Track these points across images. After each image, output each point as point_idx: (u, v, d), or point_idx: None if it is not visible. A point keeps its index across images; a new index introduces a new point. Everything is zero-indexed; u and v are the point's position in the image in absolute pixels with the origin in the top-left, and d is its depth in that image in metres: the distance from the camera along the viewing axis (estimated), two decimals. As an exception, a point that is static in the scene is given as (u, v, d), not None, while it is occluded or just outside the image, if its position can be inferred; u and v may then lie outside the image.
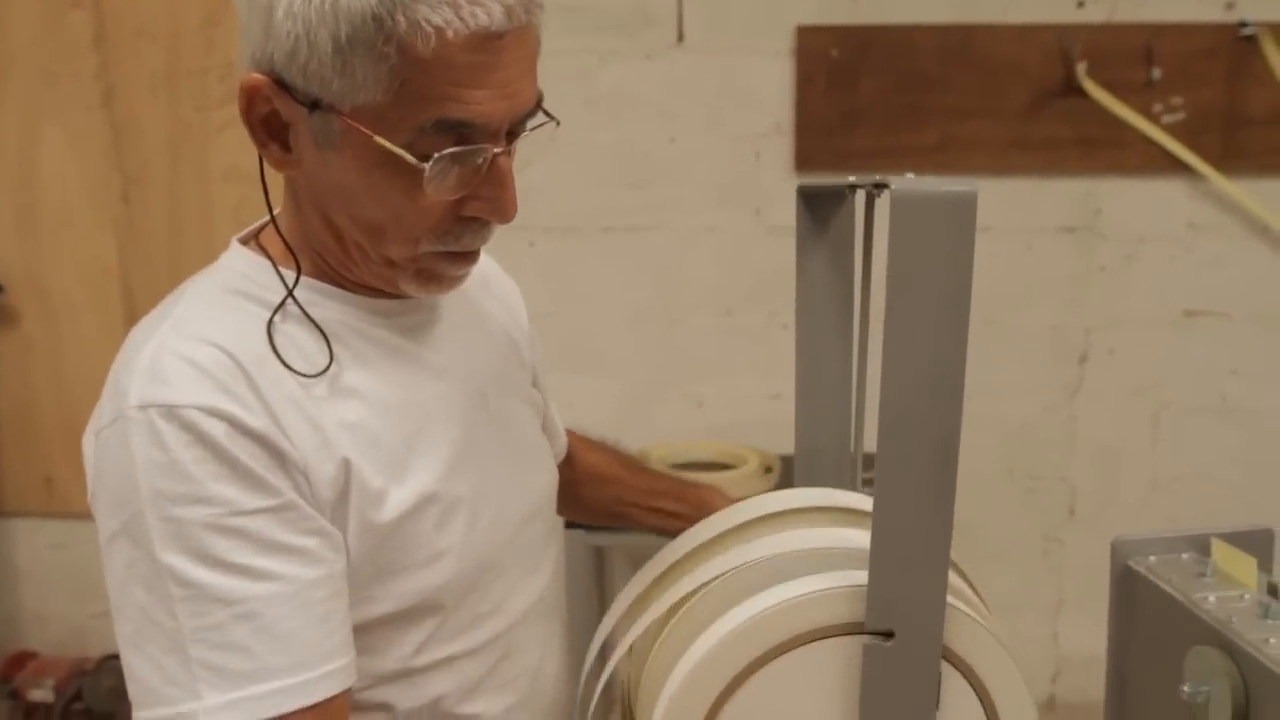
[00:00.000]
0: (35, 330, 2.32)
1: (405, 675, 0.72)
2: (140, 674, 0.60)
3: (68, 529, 2.38)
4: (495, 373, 0.82)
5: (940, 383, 0.54)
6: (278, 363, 0.65)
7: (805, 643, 0.64)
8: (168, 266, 2.22)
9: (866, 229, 0.80)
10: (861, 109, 2.03)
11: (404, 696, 0.72)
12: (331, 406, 0.67)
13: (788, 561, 0.67)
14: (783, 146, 2.08)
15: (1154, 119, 2.00)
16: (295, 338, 0.68)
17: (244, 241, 0.73)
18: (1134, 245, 2.10)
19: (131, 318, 0.68)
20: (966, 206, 0.54)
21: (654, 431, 2.16)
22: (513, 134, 0.67)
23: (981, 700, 0.65)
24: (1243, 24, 1.95)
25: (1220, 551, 0.85)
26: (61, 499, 2.37)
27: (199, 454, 0.60)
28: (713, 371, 2.18)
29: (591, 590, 2.07)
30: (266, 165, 0.69)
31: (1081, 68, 1.97)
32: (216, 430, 0.60)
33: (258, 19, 0.62)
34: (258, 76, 0.63)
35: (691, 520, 0.83)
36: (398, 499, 0.68)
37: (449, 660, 0.74)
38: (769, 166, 2.09)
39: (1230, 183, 2.02)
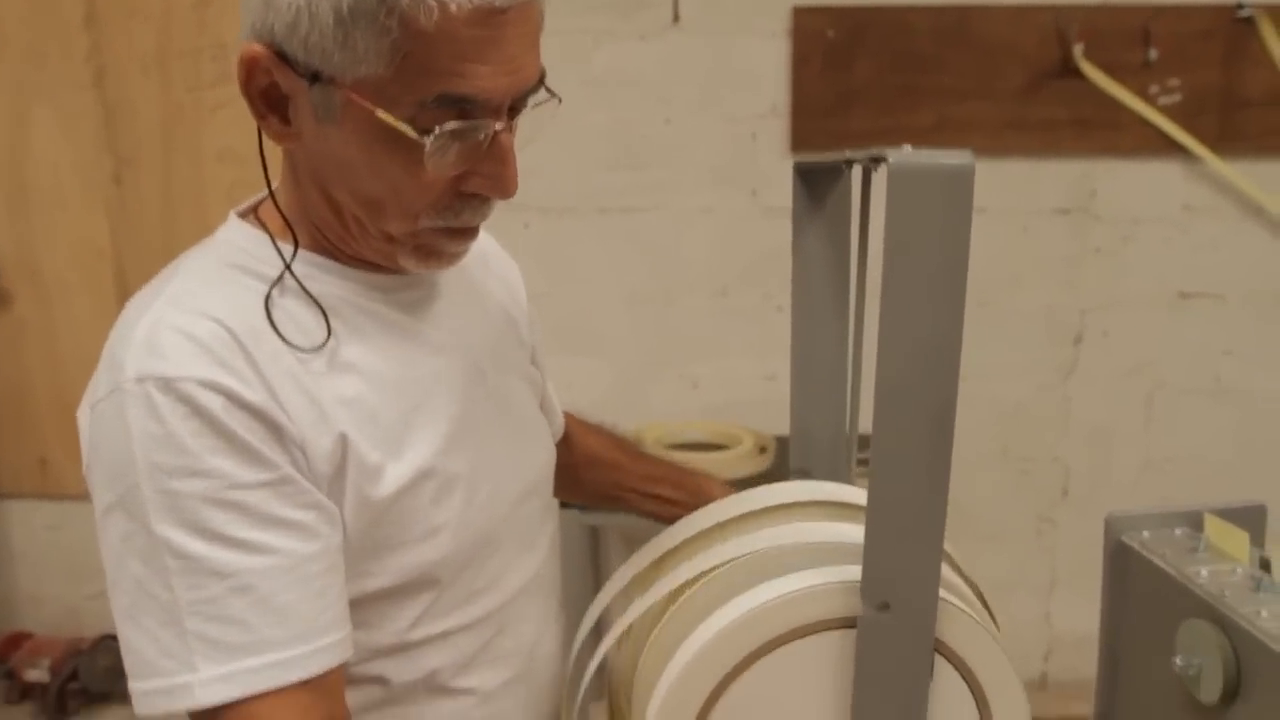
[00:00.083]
0: (28, 312, 2.31)
1: (400, 649, 0.72)
2: (136, 646, 0.60)
3: (63, 510, 2.39)
4: (493, 350, 0.82)
5: (937, 353, 0.54)
6: (275, 337, 0.65)
7: (803, 636, 0.64)
8: (161, 248, 2.21)
9: (863, 205, 0.80)
10: (857, 90, 2.03)
11: (399, 670, 0.72)
12: (329, 381, 0.67)
13: (787, 554, 0.68)
14: (779, 127, 2.07)
15: (1150, 100, 2.00)
16: (293, 312, 0.67)
17: (242, 216, 0.72)
18: (1129, 227, 2.10)
19: (124, 300, 0.68)
20: (964, 177, 0.54)
21: (649, 412, 2.16)
22: (515, 110, 0.66)
23: (974, 694, 0.66)
24: (1240, 5, 1.95)
25: (1213, 526, 0.85)
26: (56, 480, 2.37)
27: (196, 427, 0.60)
28: (708, 352, 2.18)
29: (586, 570, 2.08)
30: (265, 138, 0.68)
31: (1078, 49, 1.96)
32: (213, 404, 0.60)
33: None
34: (257, 48, 0.62)
35: (689, 507, 0.83)
36: (395, 474, 0.68)
37: (444, 635, 0.74)
38: (765, 148, 2.09)
39: (1226, 164, 2.02)
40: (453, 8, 0.58)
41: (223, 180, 2.18)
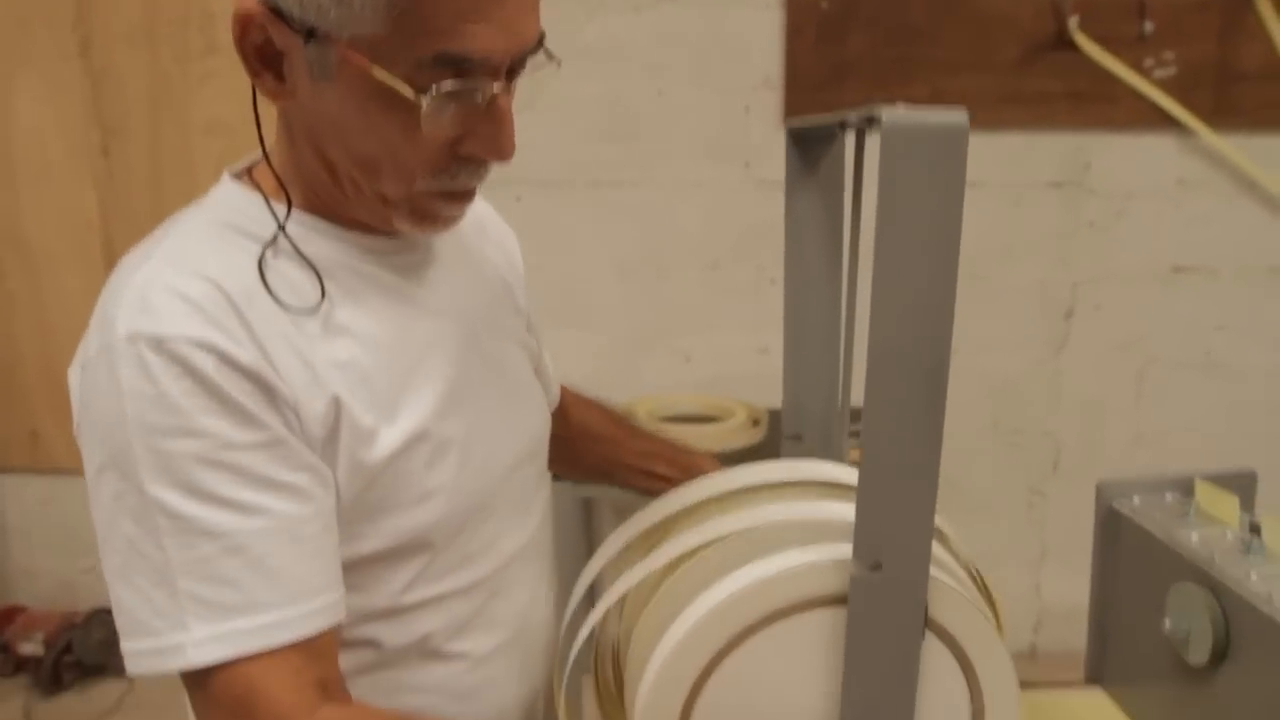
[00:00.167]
0: (17, 286, 2.30)
1: (393, 613, 0.72)
2: (128, 605, 0.60)
3: (55, 484, 2.38)
4: (489, 315, 0.81)
5: (930, 312, 0.54)
6: (268, 298, 0.64)
7: (796, 612, 0.64)
8: (150, 220, 2.13)
9: (856, 170, 0.79)
10: (851, 62, 2.02)
11: (392, 634, 0.72)
12: (323, 344, 0.66)
13: (781, 531, 0.68)
14: (772, 100, 2.06)
15: (1145, 74, 1.99)
16: (287, 274, 0.67)
17: (236, 176, 0.71)
18: (1123, 201, 2.10)
19: (114, 272, 0.67)
20: (958, 136, 0.53)
21: (641, 385, 2.16)
22: (513, 72, 0.65)
23: (964, 671, 0.66)
24: (1236, -22, 1.94)
25: (1204, 491, 0.86)
26: (47, 454, 2.36)
27: (188, 387, 0.59)
28: (700, 326, 2.18)
29: (579, 542, 2.09)
30: (260, 97, 0.67)
31: (1073, 21, 1.95)
32: (206, 364, 0.60)
33: None
34: (252, 3, 0.61)
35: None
36: (388, 438, 0.68)
37: (438, 599, 0.74)
38: (758, 120, 2.08)
39: (1221, 138, 2.02)
40: None
41: (211, 152, 2.16)
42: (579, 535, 2.09)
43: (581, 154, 2.10)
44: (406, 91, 0.60)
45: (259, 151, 0.71)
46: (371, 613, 0.71)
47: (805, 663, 0.65)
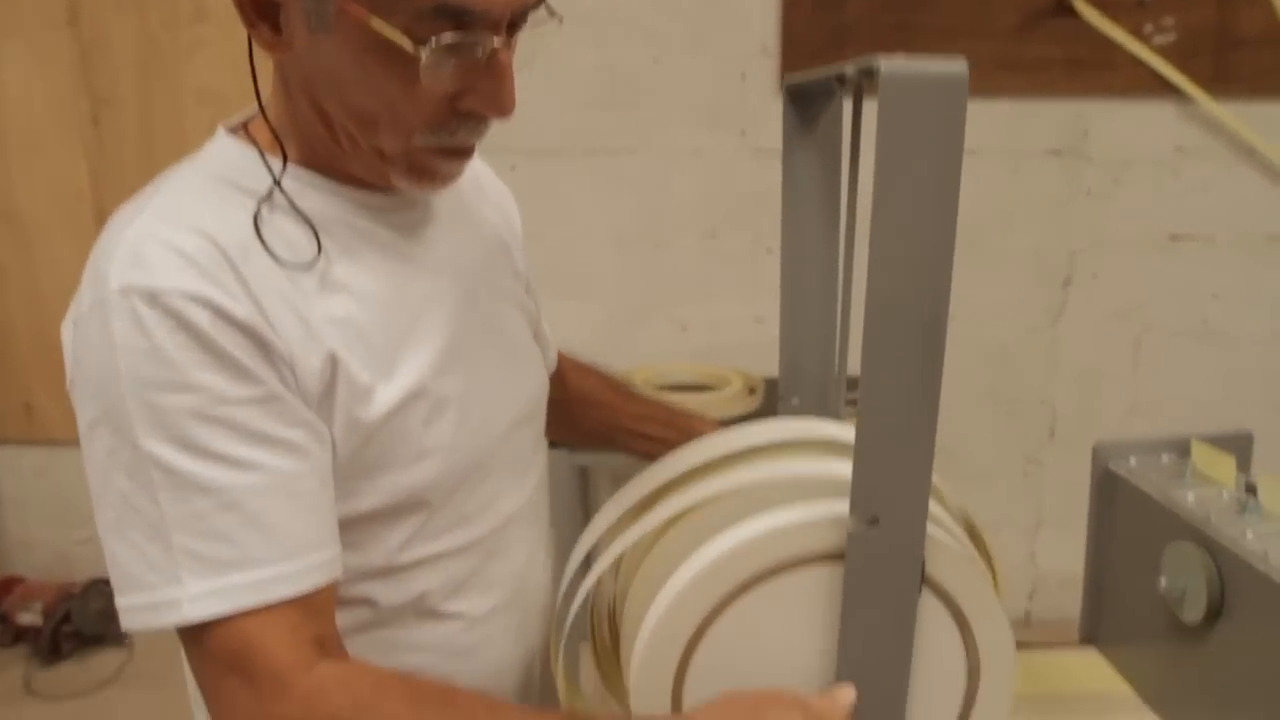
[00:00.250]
0: (8, 257, 2.28)
1: (389, 571, 0.72)
2: (122, 560, 0.60)
3: (50, 455, 2.38)
4: (487, 275, 0.81)
5: (928, 264, 0.53)
6: (264, 254, 0.64)
7: (791, 569, 0.64)
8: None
9: (854, 132, 0.79)
10: (849, 28, 2.00)
11: (388, 592, 0.72)
12: (319, 300, 0.66)
13: (776, 489, 0.67)
14: (769, 67, 2.04)
15: (1145, 40, 1.98)
16: (283, 229, 0.66)
17: (231, 131, 0.71)
18: (1120, 168, 2.09)
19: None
20: (957, 85, 0.53)
21: (638, 354, 2.16)
22: (514, 26, 0.64)
23: (960, 628, 0.66)
24: (1237, -58, 1.92)
25: (1200, 452, 0.86)
26: (42, 425, 2.36)
27: (182, 340, 0.58)
28: (697, 295, 2.17)
29: (576, 509, 2.09)
30: (255, 49, 0.66)
31: (1073, -14, 1.94)
32: (200, 318, 0.59)
33: None
34: None
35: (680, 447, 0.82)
36: (385, 395, 0.68)
37: (434, 558, 0.74)
38: (754, 88, 2.06)
39: (1219, 105, 2.01)
40: None
41: (203, 119, 2.14)
42: (575, 503, 2.09)
43: (577, 122, 2.08)
44: (405, 43, 0.59)
45: (255, 106, 0.70)
46: (368, 571, 0.71)
47: (801, 619, 0.65)
